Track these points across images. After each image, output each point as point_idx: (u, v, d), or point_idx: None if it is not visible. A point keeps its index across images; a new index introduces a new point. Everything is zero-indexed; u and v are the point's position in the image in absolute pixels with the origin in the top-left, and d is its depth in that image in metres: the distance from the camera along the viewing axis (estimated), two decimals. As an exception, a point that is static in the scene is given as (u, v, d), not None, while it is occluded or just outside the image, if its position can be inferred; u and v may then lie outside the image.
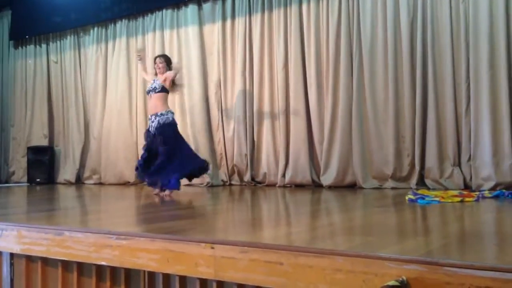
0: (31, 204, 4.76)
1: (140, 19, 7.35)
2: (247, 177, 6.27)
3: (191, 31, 6.78)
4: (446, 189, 4.81)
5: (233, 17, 6.53)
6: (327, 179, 5.65)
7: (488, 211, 3.36)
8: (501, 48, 4.78)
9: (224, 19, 6.58)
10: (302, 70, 5.91)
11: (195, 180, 5.52)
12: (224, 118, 6.54)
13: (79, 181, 7.82)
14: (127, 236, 2.28)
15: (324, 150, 5.70)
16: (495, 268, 1.50)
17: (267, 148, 6.13)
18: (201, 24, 6.78)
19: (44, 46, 8.33)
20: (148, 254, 2.19)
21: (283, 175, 5.97)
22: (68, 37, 8.07)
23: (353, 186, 5.56)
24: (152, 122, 4.93)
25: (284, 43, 6.06)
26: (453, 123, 5.04)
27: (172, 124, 4.97)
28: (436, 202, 3.69)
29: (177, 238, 2.16)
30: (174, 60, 6.89)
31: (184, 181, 5.11)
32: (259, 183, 6.24)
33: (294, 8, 6.00)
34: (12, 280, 2.79)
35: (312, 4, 5.88)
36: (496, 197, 4.09)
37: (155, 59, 5.23)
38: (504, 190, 4.32)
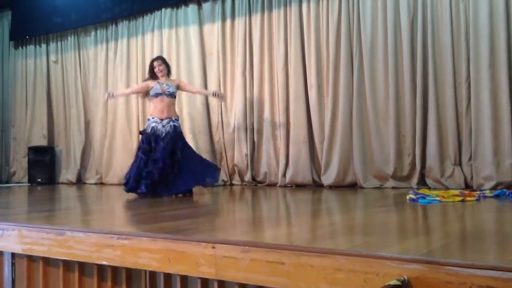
0: (32, 204, 4.76)
1: (140, 19, 7.35)
2: (247, 177, 6.27)
3: (191, 31, 6.79)
4: (447, 188, 4.81)
5: (233, 17, 6.53)
6: (327, 178, 5.65)
7: (489, 211, 3.36)
8: (501, 47, 4.77)
9: (223, 19, 6.58)
10: (302, 70, 5.91)
11: None
12: (224, 118, 6.54)
13: (80, 181, 7.82)
14: (128, 236, 2.29)
15: (324, 149, 5.69)
16: (496, 267, 1.50)
17: (268, 148, 6.13)
18: (201, 24, 6.78)
19: (44, 46, 8.34)
20: (149, 253, 2.19)
21: (284, 175, 5.96)
22: (69, 37, 8.07)
23: (353, 186, 5.56)
24: (163, 126, 4.86)
25: (284, 43, 6.05)
26: (453, 123, 5.04)
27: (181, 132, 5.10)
28: (437, 202, 3.69)
29: (178, 238, 2.16)
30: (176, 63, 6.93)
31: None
32: (260, 182, 6.24)
33: (294, 8, 5.99)
34: (13, 280, 2.80)
35: (312, 4, 5.87)
36: (497, 196, 4.09)
37: (152, 62, 5.14)
38: (505, 190, 4.31)
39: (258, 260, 1.90)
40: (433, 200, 3.75)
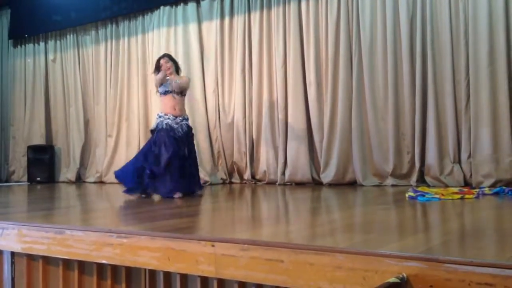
0: (32, 203, 4.76)
1: (140, 18, 7.34)
2: (247, 175, 6.27)
3: (190, 29, 6.78)
4: (446, 186, 4.82)
5: (231, 14, 6.52)
6: (327, 176, 5.66)
7: (488, 208, 3.36)
8: (500, 45, 4.77)
9: (222, 17, 6.57)
10: (301, 68, 5.91)
11: None
12: (222, 116, 6.53)
13: (79, 180, 7.82)
14: (127, 234, 2.29)
15: (323, 147, 5.70)
16: (495, 264, 1.51)
17: (267, 146, 6.13)
18: (199, 22, 6.78)
19: (43, 45, 8.33)
20: (149, 252, 2.20)
21: (283, 173, 5.97)
22: (68, 36, 8.06)
23: (353, 184, 5.57)
24: (177, 124, 4.65)
25: (283, 41, 6.04)
26: (453, 120, 5.04)
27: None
28: (436, 199, 3.70)
29: (178, 236, 2.16)
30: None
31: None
32: (259, 181, 6.24)
33: (293, 6, 5.99)
34: (13, 279, 2.80)
35: (311, 2, 5.87)
36: (496, 194, 4.09)
37: (159, 60, 4.89)
38: (504, 187, 4.31)
39: (257, 258, 1.91)
40: (432, 197, 3.75)
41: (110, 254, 2.32)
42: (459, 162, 5.03)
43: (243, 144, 6.31)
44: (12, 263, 2.80)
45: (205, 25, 6.74)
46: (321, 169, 5.73)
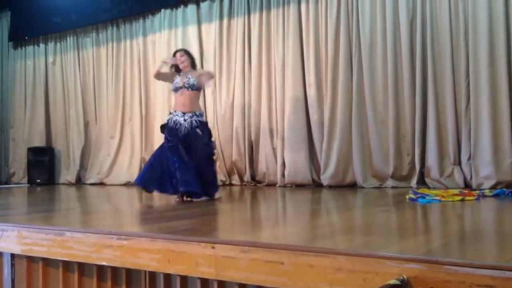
0: (32, 205, 4.76)
1: (140, 20, 7.35)
2: (246, 177, 6.27)
3: (190, 30, 6.79)
4: (447, 188, 4.82)
5: (231, 16, 6.53)
6: (327, 178, 5.65)
7: (489, 210, 3.36)
8: (500, 46, 4.78)
9: (221, 18, 6.58)
10: (301, 69, 5.91)
11: None
12: (221, 117, 6.53)
13: (79, 182, 7.82)
14: (128, 236, 2.29)
15: (324, 149, 5.69)
16: (495, 266, 1.51)
17: (266, 147, 6.12)
18: (199, 23, 6.79)
19: (43, 46, 8.34)
20: (149, 254, 2.20)
21: (283, 175, 5.96)
22: (68, 38, 8.07)
23: (353, 186, 5.56)
24: (185, 120, 4.40)
25: (282, 43, 6.05)
26: (453, 122, 5.04)
27: (204, 129, 4.51)
28: (437, 201, 3.69)
29: (178, 238, 2.16)
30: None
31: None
32: (259, 182, 6.24)
33: (292, 7, 5.99)
34: (13, 281, 2.79)
35: (311, 4, 5.87)
36: (496, 195, 4.09)
37: (174, 54, 4.73)
38: (504, 189, 4.31)
39: (257, 260, 1.90)
40: (433, 199, 3.75)
41: (110, 256, 2.32)
42: (460, 163, 5.03)
43: (242, 146, 6.31)
44: (12, 265, 2.80)
45: (204, 27, 6.75)
46: (321, 171, 5.73)
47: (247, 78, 6.32)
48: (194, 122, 4.41)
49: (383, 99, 5.42)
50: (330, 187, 5.60)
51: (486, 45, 4.81)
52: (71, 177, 7.82)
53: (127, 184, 7.17)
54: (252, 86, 6.28)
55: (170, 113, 4.55)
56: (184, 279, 2.25)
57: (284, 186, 5.93)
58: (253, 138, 6.28)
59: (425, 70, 5.20)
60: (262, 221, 3.18)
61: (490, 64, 4.80)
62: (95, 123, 7.76)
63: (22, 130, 8.42)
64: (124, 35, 7.51)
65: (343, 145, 5.59)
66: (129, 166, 7.27)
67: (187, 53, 4.72)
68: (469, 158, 4.95)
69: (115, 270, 2.46)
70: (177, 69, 4.62)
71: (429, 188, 4.90)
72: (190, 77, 4.51)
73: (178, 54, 4.65)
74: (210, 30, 6.66)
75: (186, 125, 4.39)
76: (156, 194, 4.54)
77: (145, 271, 2.36)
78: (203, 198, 4.26)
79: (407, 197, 3.94)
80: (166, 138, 4.42)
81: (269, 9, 6.22)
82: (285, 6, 6.07)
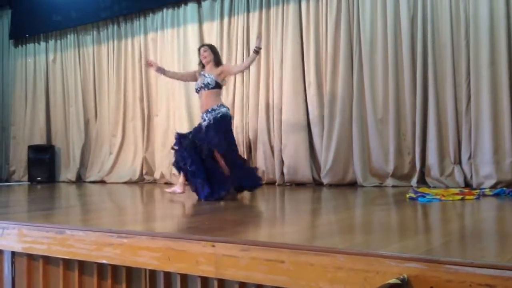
0: (32, 203, 4.76)
1: (141, 18, 7.35)
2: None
3: (191, 29, 6.78)
4: (447, 187, 4.81)
5: (232, 15, 6.52)
6: (327, 177, 5.65)
7: (489, 209, 3.36)
8: (501, 46, 4.77)
9: (222, 17, 6.57)
10: (301, 67, 5.90)
11: None
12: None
13: (80, 180, 7.83)
14: (128, 234, 2.29)
15: (324, 148, 5.69)
16: (495, 266, 1.51)
17: (265, 146, 6.11)
18: (200, 22, 6.78)
19: (44, 44, 8.34)
20: (149, 252, 2.20)
21: (283, 173, 5.95)
22: (68, 36, 8.07)
23: (353, 184, 5.56)
24: (204, 121, 4.35)
25: (281, 41, 6.03)
26: (453, 121, 5.04)
27: (226, 118, 4.40)
28: (437, 200, 3.69)
29: (178, 236, 2.16)
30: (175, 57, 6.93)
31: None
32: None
33: (293, 5, 5.98)
34: (13, 279, 2.80)
35: (312, 3, 5.86)
36: (496, 195, 4.09)
37: (199, 49, 4.65)
38: (505, 188, 4.31)
39: (257, 259, 1.90)
40: (433, 198, 3.75)
41: (111, 254, 2.32)
42: (460, 163, 5.03)
43: (241, 144, 6.30)
44: (13, 263, 2.80)
45: (206, 25, 6.74)
46: (321, 170, 5.72)
47: (246, 77, 6.31)
48: (210, 119, 4.30)
49: (384, 97, 5.41)
50: (330, 185, 5.60)
51: (487, 44, 4.81)
52: (71, 175, 7.82)
53: (128, 182, 7.17)
54: (251, 85, 6.27)
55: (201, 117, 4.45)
56: (184, 277, 2.25)
57: (284, 184, 5.93)
58: (252, 136, 6.28)
59: (425, 69, 5.19)
60: (263, 220, 3.18)
61: (491, 63, 4.79)
62: (95, 121, 7.76)
63: (22, 128, 8.42)
64: (125, 33, 7.50)
65: (343, 144, 5.59)
66: (131, 165, 7.27)
67: (211, 48, 4.59)
68: (469, 158, 4.94)
69: (115, 268, 2.46)
70: (204, 65, 4.52)
71: (429, 187, 4.89)
72: (207, 75, 4.42)
73: (202, 49, 4.55)
74: (212, 28, 6.65)
75: (205, 124, 4.32)
76: (158, 193, 4.54)
77: (145, 270, 2.36)
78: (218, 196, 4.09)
79: (407, 196, 3.94)
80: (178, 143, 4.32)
81: (268, 7, 6.21)
82: (285, 4, 6.05)
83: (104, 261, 2.38)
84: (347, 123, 5.58)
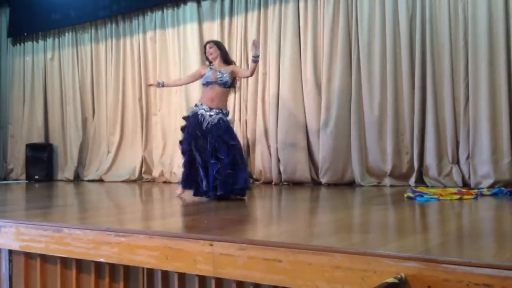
0: (30, 201, 4.76)
1: (140, 17, 7.33)
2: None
3: (191, 29, 6.77)
4: (445, 186, 4.82)
5: (231, 14, 6.50)
6: (325, 176, 5.65)
7: (487, 209, 3.37)
8: (500, 46, 4.77)
9: (222, 17, 6.56)
10: (299, 66, 5.89)
11: None
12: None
13: (78, 178, 7.81)
14: (126, 233, 2.29)
15: (322, 147, 5.69)
16: (493, 265, 1.51)
17: (263, 145, 6.10)
18: (200, 21, 6.77)
19: (42, 43, 8.32)
20: (147, 251, 2.19)
21: (281, 173, 5.95)
22: (66, 34, 8.05)
23: (351, 184, 5.56)
24: (211, 116, 4.17)
25: (279, 40, 6.01)
26: (452, 121, 5.04)
27: (231, 127, 4.34)
28: (435, 200, 3.70)
29: (176, 235, 2.16)
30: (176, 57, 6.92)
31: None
32: (256, 180, 6.23)
33: (291, 4, 5.96)
34: (10, 277, 2.79)
35: (310, 2, 5.86)
36: (494, 194, 4.09)
37: (205, 46, 4.52)
38: (502, 188, 4.32)
39: (255, 258, 1.90)
40: (431, 198, 3.75)
41: (108, 252, 2.31)
42: (458, 162, 5.03)
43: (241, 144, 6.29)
44: (10, 261, 2.80)
45: (205, 25, 6.73)
46: (320, 169, 5.72)
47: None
48: (218, 119, 4.18)
49: (382, 97, 5.41)
50: (328, 185, 5.60)
51: (485, 45, 4.81)
52: (69, 174, 7.81)
53: (126, 181, 7.16)
54: (249, 84, 6.27)
55: (196, 105, 4.32)
56: (182, 276, 2.25)
57: (281, 184, 5.92)
58: (249, 136, 6.27)
59: (424, 69, 5.19)
60: (260, 219, 3.18)
61: (489, 63, 4.79)
62: (93, 119, 7.75)
63: (20, 127, 8.41)
64: (123, 32, 7.49)
65: (341, 143, 5.59)
66: (130, 163, 7.26)
67: (217, 44, 4.49)
68: (467, 157, 4.95)
69: (113, 267, 2.46)
70: (210, 61, 4.43)
71: (427, 186, 4.90)
72: (223, 73, 4.29)
73: (207, 46, 4.46)
74: (212, 28, 6.64)
75: (211, 121, 4.17)
76: (157, 191, 4.53)
77: (143, 268, 2.36)
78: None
79: (405, 195, 3.94)
80: (186, 139, 4.21)
81: (266, 6, 6.20)
82: (283, 4, 6.04)
83: (101, 260, 2.38)
84: (345, 122, 5.58)
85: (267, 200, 4.52)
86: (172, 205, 4.01)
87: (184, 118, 4.38)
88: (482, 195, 4.06)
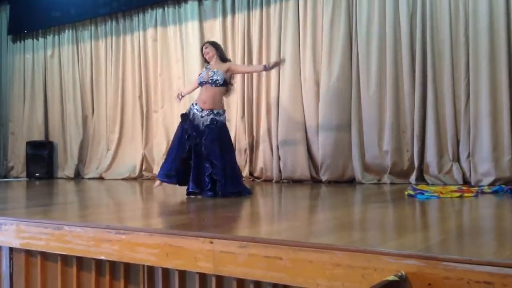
0: (30, 199, 4.76)
1: (141, 15, 7.33)
2: (245, 173, 6.26)
3: (192, 27, 6.77)
4: (445, 184, 4.82)
5: (233, 12, 6.50)
6: (325, 174, 5.65)
7: (487, 207, 3.37)
8: (501, 43, 4.76)
9: (224, 15, 6.55)
10: (298, 64, 5.89)
11: None
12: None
13: (78, 176, 7.82)
14: (126, 230, 2.29)
15: (322, 145, 5.68)
16: (493, 263, 1.51)
17: (264, 143, 6.11)
18: (201, 20, 6.76)
19: (42, 40, 8.32)
20: (147, 248, 2.19)
21: (282, 170, 5.95)
22: (67, 31, 8.05)
23: (352, 182, 5.56)
24: (202, 117, 4.21)
25: (280, 38, 6.02)
26: (452, 119, 5.03)
27: (226, 128, 4.37)
28: (435, 198, 3.69)
29: (176, 232, 2.16)
30: (176, 53, 6.91)
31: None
32: (257, 178, 6.23)
33: (291, 3, 5.95)
34: (11, 275, 2.80)
35: (309, 0, 5.85)
36: (495, 192, 4.09)
37: (201, 48, 4.56)
38: (503, 186, 4.31)
39: (256, 255, 1.90)
40: (431, 196, 3.75)
41: (109, 250, 2.32)
42: (459, 160, 5.03)
43: (243, 141, 6.29)
44: (11, 258, 2.80)
45: (207, 23, 6.72)
46: (320, 167, 5.72)
47: (247, 75, 6.30)
48: (210, 120, 4.20)
49: (383, 95, 5.40)
50: (329, 182, 5.60)
51: (486, 42, 4.80)
52: (70, 172, 7.82)
53: (127, 179, 7.17)
54: (252, 83, 6.26)
55: (192, 104, 4.36)
56: (182, 273, 2.25)
57: (282, 181, 5.92)
58: (254, 133, 6.27)
59: (424, 66, 5.19)
60: (261, 217, 3.18)
61: (490, 61, 4.79)
62: (93, 117, 7.75)
63: (21, 124, 8.41)
64: (123, 29, 7.49)
65: (342, 141, 5.59)
66: (130, 161, 7.26)
67: (212, 44, 4.53)
68: (468, 155, 4.94)
69: (113, 264, 2.46)
70: (208, 61, 4.46)
71: (428, 184, 4.90)
72: (215, 71, 4.29)
73: (203, 47, 4.49)
74: (214, 27, 6.63)
75: (203, 121, 4.20)
76: (157, 189, 4.52)
77: (143, 266, 2.36)
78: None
79: (406, 193, 3.94)
80: (184, 129, 4.24)
81: (268, 5, 6.19)
82: (283, 2, 6.03)
83: (102, 257, 2.38)
84: (345, 119, 5.58)
85: (268, 198, 4.52)
86: (172, 203, 4.01)
87: (181, 115, 4.42)
88: (482, 192, 4.05)
